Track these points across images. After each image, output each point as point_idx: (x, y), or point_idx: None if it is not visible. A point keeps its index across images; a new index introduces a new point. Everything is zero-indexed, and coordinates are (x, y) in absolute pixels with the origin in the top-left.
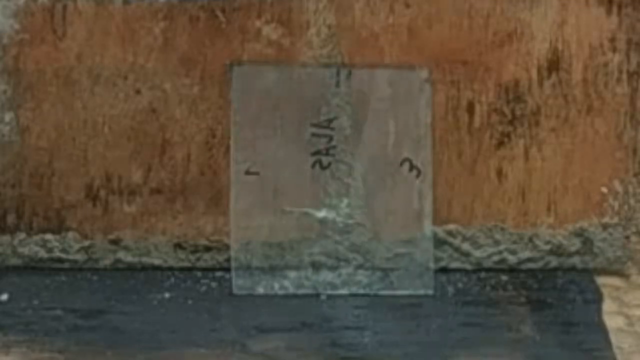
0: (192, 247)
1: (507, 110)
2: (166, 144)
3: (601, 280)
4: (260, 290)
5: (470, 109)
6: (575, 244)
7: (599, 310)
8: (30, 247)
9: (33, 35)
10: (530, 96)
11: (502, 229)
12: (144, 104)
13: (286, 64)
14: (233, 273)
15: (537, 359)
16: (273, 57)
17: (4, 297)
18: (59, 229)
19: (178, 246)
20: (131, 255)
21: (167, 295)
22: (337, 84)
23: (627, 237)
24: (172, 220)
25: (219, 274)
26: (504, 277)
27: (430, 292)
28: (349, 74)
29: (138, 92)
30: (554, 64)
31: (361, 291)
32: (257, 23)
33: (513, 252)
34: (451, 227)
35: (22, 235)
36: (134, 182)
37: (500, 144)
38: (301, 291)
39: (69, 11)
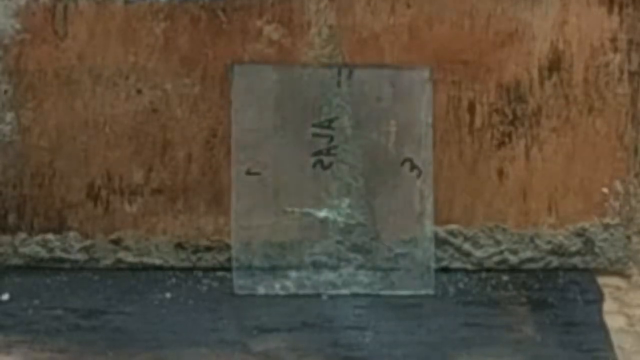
0: (193, 247)
1: (508, 111)
2: (167, 143)
3: (602, 280)
4: (261, 290)
5: (471, 109)
6: (577, 244)
7: (600, 311)
8: (32, 247)
9: (34, 35)
10: (531, 96)
11: (503, 229)
12: (145, 104)
13: (287, 64)
14: (234, 273)
15: (538, 359)
16: (274, 57)
17: (5, 297)
18: (60, 228)
19: (179, 246)
20: (132, 255)
21: (168, 295)
22: (338, 84)
23: (628, 238)
24: (173, 220)
25: (220, 274)
26: (505, 277)
27: (431, 292)
28: (350, 74)
29: (139, 92)
30: (555, 64)
31: (362, 291)
32: (258, 23)
33: (514, 252)
34: (452, 227)
35: (23, 235)
36: (135, 182)
37: (501, 144)
38: (302, 291)
39: (70, 11)
